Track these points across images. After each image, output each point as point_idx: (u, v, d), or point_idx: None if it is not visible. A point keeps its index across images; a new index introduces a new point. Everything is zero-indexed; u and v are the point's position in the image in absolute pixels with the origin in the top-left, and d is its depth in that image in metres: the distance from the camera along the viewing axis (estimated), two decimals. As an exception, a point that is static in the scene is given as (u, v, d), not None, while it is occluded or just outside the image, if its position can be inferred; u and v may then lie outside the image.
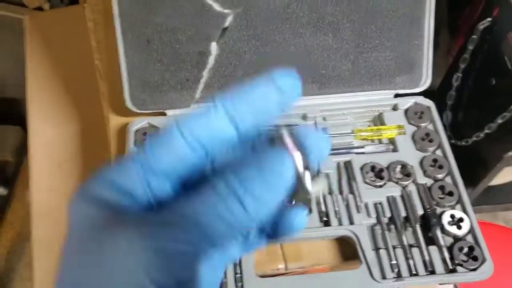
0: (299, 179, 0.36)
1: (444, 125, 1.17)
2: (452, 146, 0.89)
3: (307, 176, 0.37)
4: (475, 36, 1.29)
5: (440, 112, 1.37)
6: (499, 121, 1.27)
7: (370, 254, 0.78)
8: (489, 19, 1.26)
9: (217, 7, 0.85)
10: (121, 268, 0.30)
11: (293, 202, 0.39)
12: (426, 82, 0.92)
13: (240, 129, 0.36)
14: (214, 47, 0.87)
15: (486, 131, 1.31)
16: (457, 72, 1.36)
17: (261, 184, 0.33)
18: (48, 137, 1.13)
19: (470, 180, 1.59)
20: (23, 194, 2.00)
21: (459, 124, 1.41)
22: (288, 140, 0.37)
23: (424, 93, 0.94)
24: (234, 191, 0.33)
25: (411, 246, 0.79)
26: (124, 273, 0.30)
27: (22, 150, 2.06)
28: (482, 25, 1.28)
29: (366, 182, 0.85)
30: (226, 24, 0.86)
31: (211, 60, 0.88)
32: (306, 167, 0.36)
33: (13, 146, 2.04)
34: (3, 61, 2.27)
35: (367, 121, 0.95)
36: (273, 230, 0.41)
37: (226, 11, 0.85)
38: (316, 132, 0.38)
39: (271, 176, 0.34)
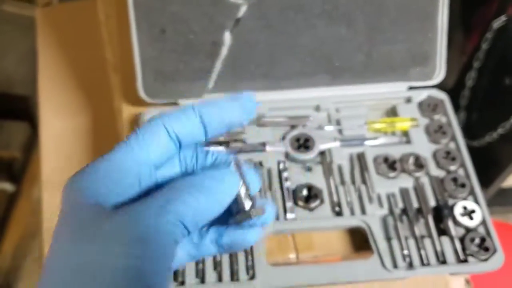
0: (241, 201, 0.44)
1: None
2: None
3: (248, 199, 0.45)
4: (489, 35, 1.29)
5: (454, 112, 1.37)
6: (514, 120, 1.27)
7: (382, 244, 0.78)
8: (503, 17, 1.26)
9: (231, -3, 0.85)
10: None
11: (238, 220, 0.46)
12: (439, 75, 0.92)
13: (207, 132, 0.44)
14: (227, 37, 0.87)
15: (500, 131, 1.31)
16: (470, 72, 1.35)
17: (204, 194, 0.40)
18: (58, 130, 1.13)
19: (483, 181, 1.58)
20: (30, 191, 2.01)
21: (472, 124, 1.41)
22: (239, 166, 0.45)
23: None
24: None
25: (423, 236, 0.79)
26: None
27: (29, 146, 2.06)
28: (496, 24, 1.28)
29: (378, 173, 0.85)
30: (240, 14, 0.86)
31: (224, 51, 0.88)
32: (248, 193, 0.45)
33: (20, 143, 2.05)
34: (11, 58, 2.28)
35: (380, 113, 0.94)
36: (226, 241, 0.46)
37: (240, 1, 0.85)
38: (252, 170, 0.47)
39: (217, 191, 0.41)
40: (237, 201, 0.44)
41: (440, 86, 0.94)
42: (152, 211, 0.37)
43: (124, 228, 0.36)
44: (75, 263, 0.36)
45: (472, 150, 0.89)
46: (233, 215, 0.46)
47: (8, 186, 2.01)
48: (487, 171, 1.46)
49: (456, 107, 1.42)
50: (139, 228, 0.36)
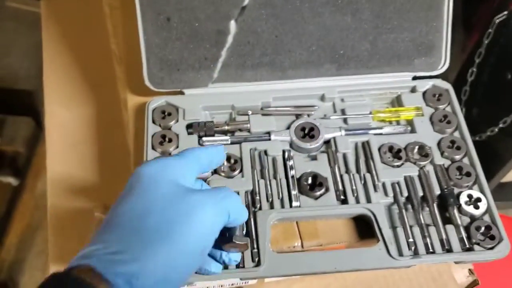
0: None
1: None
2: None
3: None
4: (491, 30, 1.29)
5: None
6: (515, 115, 1.27)
7: (387, 232, 0.78)
8: (505, 12, 1.26)
9: (237, -15, 0.85)
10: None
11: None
12: (444, 65, 0.92)
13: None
14: (232, 25, 0.87)
15: (501, 126, 1.31)
16: (472, 67, 1.35)
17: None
18: (64, 119, 1.13)
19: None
20: (34, 185, 2.01)
21: (473, 119, 1.41)
22: None
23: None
24: None
25: (428, 225, 0.79)
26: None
27: (33, 141, 2.07)
28: (498, 19, 1.28)
29: (383, 162, 0.85)
30: (245, 2, 0.86)
31: (229, 39, 0.88)
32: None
33: (24, 138, 2.06)
34: (16, 54, 2.29)
35: (385, 103, 0.94)
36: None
37: (245, -11, 0.85)
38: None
39: None
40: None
41: (442, 77, 0.94)
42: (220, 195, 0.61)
43: (208, 197, 0.59)
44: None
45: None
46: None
47: (12, 180, 2.01)
48: (488, 166, 1.46)
49: (458, 102, 1.42)
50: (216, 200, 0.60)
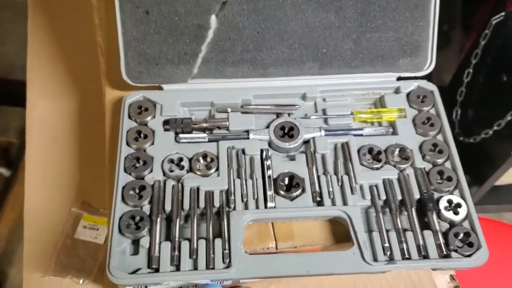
0: None
1: (453, 122, 1.14)
2: (460, 143, 0.87)
3: None
4: (487, 31, 1.27)
5: (450, 108, 1.36)
6: (509, 117, 1.25)
7: (363, 236, 0.76)
8: (502, 13, 1.24)
9: (217, -21, 0.83)
10: None
11: None
12: (430, 66, 0.90)
13: None
14: (213, 20, 0.85)
15: (495, 128, 1.29)
16: (468, 68, 1.34)
17: None
18: (46, 112, 1.12)
19: (477, 178, 1.57)
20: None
21: (468, 121, 1.39)
22: None
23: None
24: None
25: (405, 230, 0.77)
26: None
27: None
28: (495, 20, 1.26)
29: (362, 164, 0.83)
30: (227, -3, 0.84)
31: (210, 34, 0.86)
32: None
33: (17, 128, 2.04)
34: (12, 44, 2.27)
35: (367, 104, 0.93)
36: None
37: (226, -16, 0.83)
38: None
39: None
40: None
41: (437, 82, 0.92)
42: None
43: None
44: None
45: (467, 147, 0.88)
46: None
47: (4, 171, 2.00)
48: (481, 169, 1.45)
49: (453, 104, 1.40)
50: None
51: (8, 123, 2.04)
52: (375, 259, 0.74)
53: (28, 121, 1.10)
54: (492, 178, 1.47)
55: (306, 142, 0.86)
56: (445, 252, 0.75)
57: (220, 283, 0.79)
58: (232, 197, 0.79)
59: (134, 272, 0.73)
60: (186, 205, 0.78)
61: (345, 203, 0.79)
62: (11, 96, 2.10)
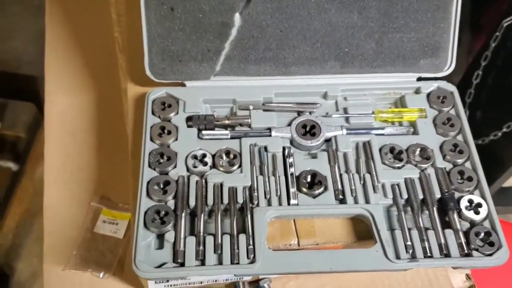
0: None
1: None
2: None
3: None
4: (498, 33, 1.27)
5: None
6: (519, 119, 1.25)
7: (385, 234, 0.77)
8: (514, 16, 1.25)
9: (243, -23, 0.84)
10: None
11: None
12: (450, 67, 0.90)
13: None
14: (237, 18, 0.86)
15: (504, 130, 1.30)
16: (477, 70, 1.34)
17: None
18: (64, 107, 1.12)
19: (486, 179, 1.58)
20: (33, 171, 2.00)
21: (477, 123, 1.39)
22: None
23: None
24: None
25: (427, 228, 0.78)
26: None
27: (34, 126, 2.06)
28: (506, 22, 1.26)
29: (384, 163, 0.84)
30: (252, -5, 0.85)
31: (233, 32, 0.87)
32: None
33: (25, 123, 2.05)
34: (20, 38, 2.27)
35: (388, 103, 0.93)
36: None
37: (251, -18, 0.84)
38: None
39: None
40: None
41: (447, 79, 0.93)
42: None
43: None
44: None
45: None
46: None
47: (12, 165, 2.00)
48: (489, 170, 1.45)
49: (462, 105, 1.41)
50: None
51: (16, 117, 2.04)
52: (398, 257, 0.75)
53: (47, 116, 1.11)
54: (500, 180, 1.47)
55: (328, 140, 0.87)
56: (466, 251, 0.76)
57: (240, 278, 0.80)
58: (256, 194, 0.80)
59: (159, 266, 0.74)
60: (210, 201, 0.79)
61: (367, 201, 0.80)
62: (19, 91, 2.10)
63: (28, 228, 1.92)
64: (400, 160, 0.84)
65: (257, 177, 0.82)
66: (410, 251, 0.76)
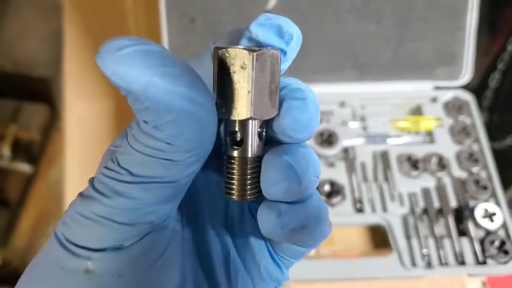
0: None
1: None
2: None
3: None
4: (515, 37, 1.28)
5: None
6: (537, 123, 1.26)
7: (402, 242, 0.78)
8: (532, 19, 1.25)
9: (262, -11, 0.85)
10: None
11: None
12: (466, 75, 0.92)
13: None
14: (256, 29, 0.87)
15: (522, 134, 1.30)
16: (494, 73, 1.34)
17: None
18: (83, 112, 1.14)
19: (502, 183, 1.58)
20: (47, 173, 2.02)
21: (494, 126, 1.40)
22: None
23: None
24: None
25: (442, 237, 0.79)
26: None
27: (48, 128, 2.07)
28: (524, 26, 1.27)
29: (401, 172, 0.85)
30: (271, 6, 0.86)
31: (252, 42, 0.88)
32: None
33: (39, 124, 2.06)
34: (34, 40, 2.29)
35: (404, 112, 0.94)
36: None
37: (270, -7, 0.85)
38: None
39: None
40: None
41: (463, 86, 0.94)
42: None
43: None
44: None
45: (493, 152, 0.89)
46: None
47: (26, 167, 2.02)
48: (506, 175, 1.46)
49: (478, 108, 1.42)
50: None
51: (31, 119, 2.06)
52: (414, 265, 0.77)
53: (67, 123, 1.12)
54: (518, 184, 1.48)
55: (345, 149, 0.88)
56: (481, 259, 0.77)
57: None
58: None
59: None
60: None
61: (384, 210, 0.81)
62: (33, 93, 2.12)
63: (42, 230, 1.93)
64: (417, 168, 0.85)
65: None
66: (426, 259, 0.77)
